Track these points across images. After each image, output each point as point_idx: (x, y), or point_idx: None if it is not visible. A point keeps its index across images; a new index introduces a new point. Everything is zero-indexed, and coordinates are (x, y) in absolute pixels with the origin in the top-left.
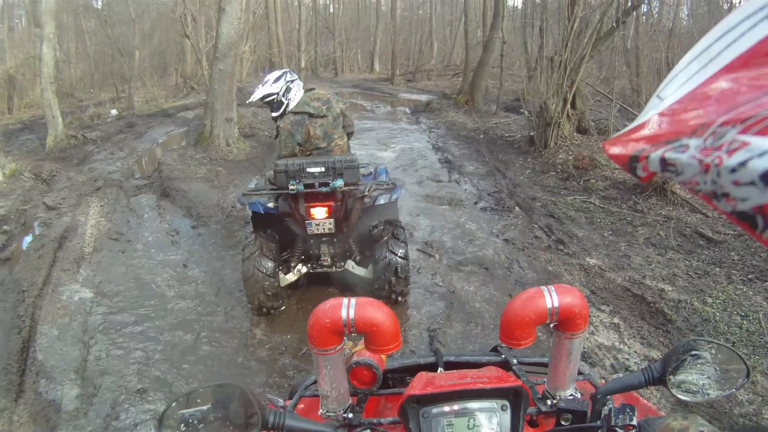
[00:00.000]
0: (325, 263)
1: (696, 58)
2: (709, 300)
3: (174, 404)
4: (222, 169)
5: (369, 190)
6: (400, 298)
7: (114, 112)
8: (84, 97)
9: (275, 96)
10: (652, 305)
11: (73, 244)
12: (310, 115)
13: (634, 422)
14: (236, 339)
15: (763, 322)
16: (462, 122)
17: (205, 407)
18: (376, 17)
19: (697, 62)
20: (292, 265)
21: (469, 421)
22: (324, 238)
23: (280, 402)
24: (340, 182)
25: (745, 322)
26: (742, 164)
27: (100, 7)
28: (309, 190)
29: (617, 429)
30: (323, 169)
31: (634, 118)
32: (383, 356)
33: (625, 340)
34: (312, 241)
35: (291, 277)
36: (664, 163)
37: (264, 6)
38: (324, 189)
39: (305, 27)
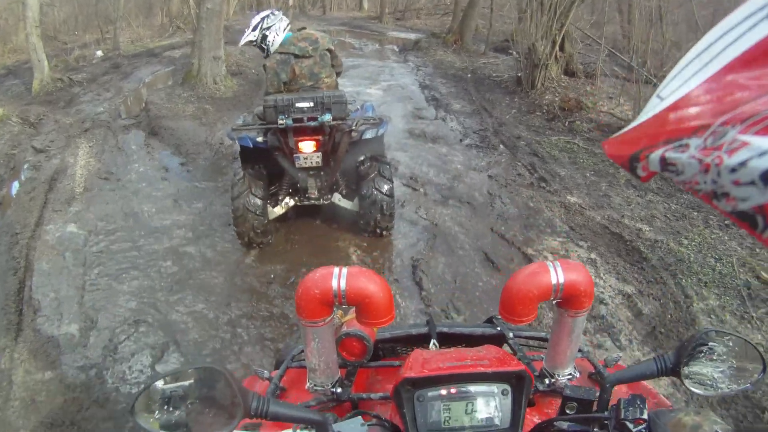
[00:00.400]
0: (313, 196)
1: (696, 58)
2: (685, 242)
3: (149, 388)
4: (210, 107)
5: (356, 125)
6: (384, 233)
7: (99, 53)
8: (68, 39)
9: (255, 43)
10: (628, 243)
11: (63, 185)
12: (296, 56)
13: (645, 416)
14: (227, 269)
15: (736, 265)
16: (450, 61)
17: (184, 397)
18: None
19: (697, 62)
20: (280, 198)
21: (467, 406)
22: (311, 172)
23: (266, 374)
24: (328, 117)
25: (718, 265)
26: (743, 164)
27: None
28: (298, 125)
29: (627, 423)
30: (312, 104)
31: (622, 63)
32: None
33: (601, 274)
34: (300, 174)
35: (279, 210)
36: (664, 162)
37: None
38: (312, 123)
39: None
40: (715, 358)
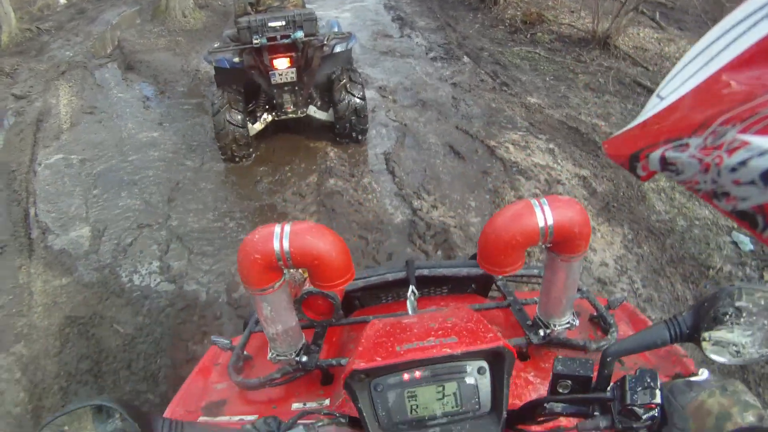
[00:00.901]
0: (289, 110)
1: (696, 57)
2: None
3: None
4: (182, 39)
5: (327, 39)
6: (360, 137)
7: (62, 0)
8: None
9: None
10: (585, 135)
11: (49, 124)
12: None
13: (657, 399)
14: (217, 175)
15: None
16: None
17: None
18: None
19: (697, 61)
20: (258, 114)
21: (437, 390)
22: (286, 87)
23: (227, 343)
24: (300, 34)
25: None
26: (743, 163)
27: None
28: (272, 43)
29: (635, 408)
30: (284, 23)
31: None
32: None
33: (559, 161)
34: (275, 90)
35: (258, 126)
36: (664, 162)
37: None
38: (285, 41)
39: None
40: (743, 320)
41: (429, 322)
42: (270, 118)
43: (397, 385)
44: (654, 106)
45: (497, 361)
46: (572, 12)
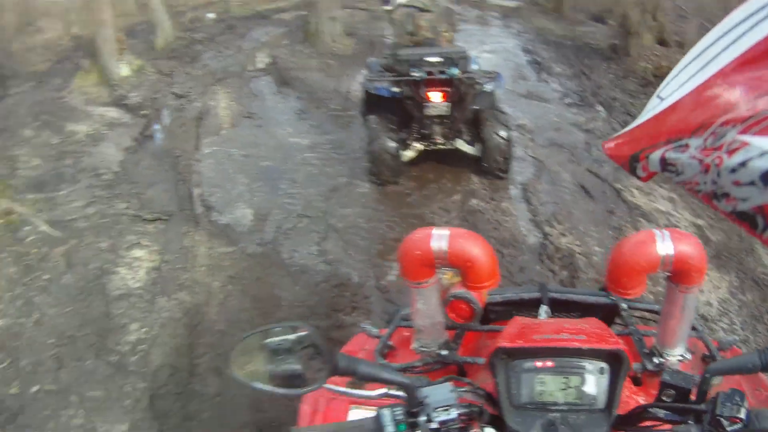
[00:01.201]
0: (439, 141)
1: (696, 58)
2: None
3: (244, 342)
4: (332, 62)
5: (480, 78)
6: (503, 174)
7: (212, 15)
8: (175, 3)
9: None
10: None
11: (209, 121)
12: (420, 9)
13: (742, 414)
14: (369, 186)
15: None
16: (551, 29)
17: (276, 352)
18: None
19: (697, 62)
20: (410, 143)
21: (563, 381)
22: (437, 119)
23: (375, 331)
24: (456, 71)
25: None
26: (743, 164)
27: None
28: (430, 77)
29: (722, 419)
30: (441, 59)
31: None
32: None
33: (678, 209)
34: (427, 121)
35: (410, 154)
36: (665, 162)
37: None
38: (442, 76)
39: None
40: None
41: (564, 323)
42: (421, 147)
43: (530, 369)
44: (654, 107)
45: (616, 364)
46: None
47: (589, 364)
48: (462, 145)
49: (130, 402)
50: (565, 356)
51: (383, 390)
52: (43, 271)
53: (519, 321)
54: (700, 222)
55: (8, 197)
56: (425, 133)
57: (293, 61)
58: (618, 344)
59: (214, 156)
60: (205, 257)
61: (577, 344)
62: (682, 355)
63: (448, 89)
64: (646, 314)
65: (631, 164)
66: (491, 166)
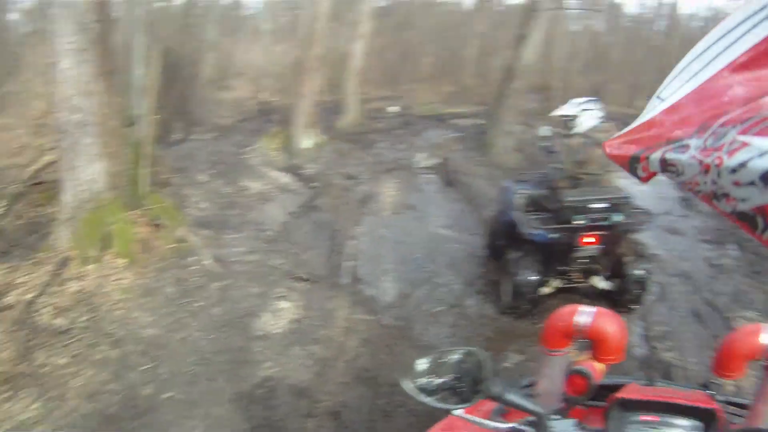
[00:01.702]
0: (577, 280)
1: (696, 59)
2: None
3: (420, 360)
4: (499, 173)
5: (640, 223)
6: (636, 306)
7: (394, 109)
8: (363, 89)
9: (569, 117)
10: None
11: (372, 205)
12: (596, 143)
13: None
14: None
15: None
16: None
17: (443, 371)
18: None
19: (697, 63)
20: (549, 280)
21: None
22: (582, 259)
23: (506, 384)
24: (619, 218)
25: None
26: (743, 165)
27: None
28: (592, 224)
29: None
30: (604, 205)
31: None
32: (602, 368)
33: None
34: (569, 260)
35: (547, 290)
36: (665, 163)
37: (547, 32)
38: (603, 223)
39: (581, 56)
40: None
41: (672, 390)
42: (558, 284)
43: (637, 422)
44: (654, 108)
45: (711, 423)
46: None
47: (687, 422)
48: (598, 282)
49: (248, 427)
50: (669, 412)
51: (512, 425)
52: (198, 298)
53: (635, 385)
54: None
55: (186, 226)
56: (565, 270)
57: (462, 165)
58: (713, 405)
59: (370, 236)
60: (343, 320)
61: (680, 401)
62: None
63: (604, 233)
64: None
65: (632, 165)
66: (624, 299)
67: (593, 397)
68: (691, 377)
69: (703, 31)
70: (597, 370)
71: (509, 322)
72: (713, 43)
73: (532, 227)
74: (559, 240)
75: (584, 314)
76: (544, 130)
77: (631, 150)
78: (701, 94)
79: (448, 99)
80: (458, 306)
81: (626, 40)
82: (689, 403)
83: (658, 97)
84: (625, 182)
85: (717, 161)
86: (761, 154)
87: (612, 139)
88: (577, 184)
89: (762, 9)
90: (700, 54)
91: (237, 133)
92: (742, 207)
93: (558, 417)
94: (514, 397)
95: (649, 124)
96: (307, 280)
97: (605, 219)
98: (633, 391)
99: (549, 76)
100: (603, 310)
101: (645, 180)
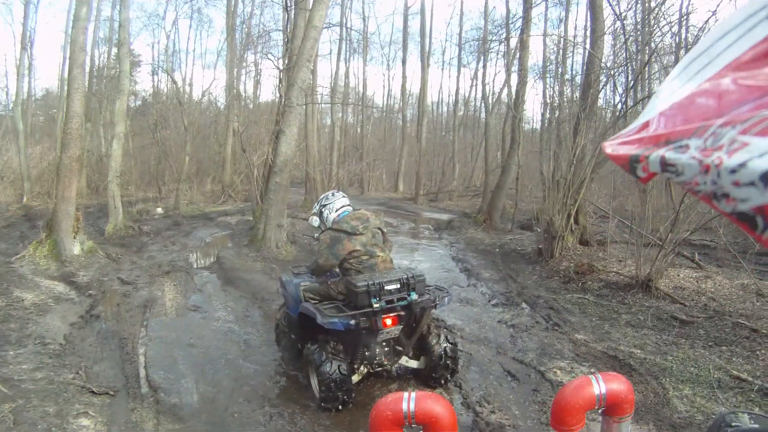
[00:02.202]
0: (385, 362)
1: (696, 59)
2: (670, 358)
3: None
4: (275, 266)
5: (438, 299)
6: (450, 379)
7: (160, 210)
8: (123, 193)
9: (314, 217)
10: (622, 361)
11: (156, 309)
12: (347, 233)
13: None
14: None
15: (712, 369)
16: (480, 238)
17: None
18: (402, 140)
19: (697, 63)
20: (356, 366)
21: None
22: (386, 342)
23: None
24: (414, 296)
25: (695, 370)
26: (742, 165)
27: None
28: (390, 306)
29: None
30: (399, 285)
31: (630, 231)
32: None
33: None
34: (374, 345)
35: (356, 378)
36: (664, 163)
37: (304, 126)
38: (402, 303)
39: (337, 146)
40: None
41: None
42: (365, 370)
43: None
44: (654, 108)
45: None
46: (620, 261)
47: None
48: (407, 362)
49: None
50: None
51: None
52: None
53: None
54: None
55: None
56: (371, 356)
57: (238, 263)
58: None
59: (160, 341)
60: None
61: None
62: None
63: (402, 313)
64: None
65: (631, 165)
66: (439, 374)
67: None
68: None
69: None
70: None
71: (325, 413)
72: (713, 43)
73: (328, 317)
74: (358, 326)
75: (408, 401)
76: (314, 221)
77: (631, 150)
78: (701, 94)
79: (212, 197)
80: (269, 403)
81: (379, 129)
82: None
83: (658, 97)
84: (397, 254)
85: (717, 161)
86: (761, 154)
87: (612, 139)
88: (360, 273)
89: (762, 9)
90: (700, 54)
91: (2, 241)
92: (742, 207)
93: None
94: None
95: (649, 124)
96: (104, 393)
97: (403, 299)
98: None
99: (311, 169)
100: (424, 393)
101: (645, 180)
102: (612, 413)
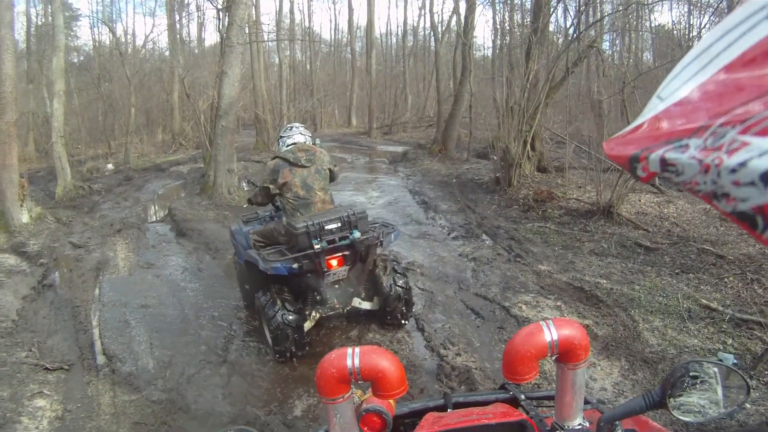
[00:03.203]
0: (337, 306)
1: (696, 58)
2: (637, 288)
3: None
4: (228, 213)
5: (382, 236)
6: (405, 321)
7: (110, 166)
8: (73, 152)
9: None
10: (588, 292)
11: (109, 271)
12: (289, 162)
13: None
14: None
15: (681, 298)
16: (436, 169)
17: None
18: (352, 73)
19: (697, 62)
20: (307, 312)
21: None
22: (336, 285)
23: None
24: (357, 234)
25: (664, 300)
26: (742, 164)
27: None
28: (332, 246)
29: None
30: (339, 224)
31: (588, 156)
32: (392, 402)
33: (565, 315)
34: (323, 288)
35: (309, 325)
36: (664, 163)
37: (250, 66)
38: (344, 242)
39: (286, 84)
40: (699, 386)
41: (473, 410)
42: (318, 315)
43: None
44: (654, 107)
45: None
46: (579, 187)
47: None
48: (359, 304)
49: None
50: None
51: None
52: None
53: (431, 415)
54: (587, 322)
55: None
56: (322, 300)
57: (191, 213)
58: (521, 416)
59: (115, 306)
60: (108, 406)
61: (485, 421)
62: (580, 424)
63: (347, 253)
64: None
65: (631, 165)
66: (393, 316)
67: (395, 429)
68: (492, 375)
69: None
70: (388, 402)
71: (285, 367)
72: (713, 43)
73: (270, 262)
74: (302, 269)
75: (352, 357)
76: (244, 186)
77: (631, 150)
78: (701, 94)
79: (163, 147)
80: (226, 362)
81: (328, 64)
82: (492, 422)
83: (657, 96)
84: (353, 191)
85: (717, 161)
86: (761, 154)
87: (612, 138)
88: (296, 212)
89: (762, 9)
90: (700, 54)
91: None
92: (742, 207)
93: None
94: None
95: (649, 123)
96: (59, 369)
97: (344, 238)
98: (431, 423)
99: (260, 109)
100: (368, 348)
101: (645, 180)
102: (566, 360)
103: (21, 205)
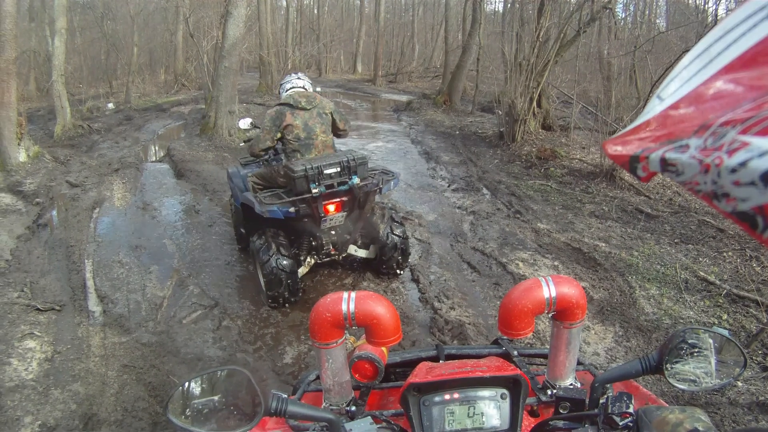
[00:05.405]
0: (332, 252)
1: (696, 58)
2: (636, 254)
3: (180, 389)
4: (228, 155)
5: (382, 183)
6: (400, 271)
7: (111, 105)
8: (74, 91)
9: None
10: (586, 254)
11: (104, 211)
12: (290, 106)
13: (631, 410)
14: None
15: (678, 268)
16: (440, 120)
17: (211, 397)
18: (359, 20)
19: (697, 62)
20: (302, 258)
21: (469, 409)
22: (332, 231)
23: (284, 397)
24: (356, 179)
25: (662, 269)
26: (743, 164)
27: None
28: (330, 191)
29: (614, 416)
30: (339, 169)
31: (594, 118)
32: (385, 350)
33: (562, 275)
34: (320, 234)
35: (303, 270)
36: (665, 163)
37: (256, 8)
38: (343, 188)
39: (292, 28)
40: (696, 354)
41: (467, 362)
42: (313, 261)
43: (440, 402)
44: (654, 107)
45: (516, 388)
46: (583, 148)
47: (491, 392)
48: (356, 251)
49: None
50: (470, 386)
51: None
52: None
53: (425, 364)
54: (583, 284)
55: None
56: (318, 245)
57: (190, 154)
58: (515, 371)
59: (109, 246)
60: (98, 347)
61: (479, 374)
62: (572, 384)
63: (345, 199)
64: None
65: (632, 165)
66: (389, 266)
67: (387, 378)
68: (485, 331)
69: None
70: (381, 350)
71: (277, 313)
72: (713, 43)
73: (266, 205)
74: (299, 213)
75: (347, 302)
76: (242, 123)
77: (631, 149)
78: (701, 94)
79: (165, 87)
80: (217, 306)
81: (336, 9)
82: (486, 375)
83: (658, 96)
84: (357, 137)
85: (717, 161)
86: (761, 154)
87: (612, 138)
88: (297, 153)
89: (762, 9)
90: (700, 54)
91: None
92: (742, 207)
93: (350, 420)
94: (297, 409)
95: (649, 123)
96: (50, 309)
97: (343, 183)
98: (424, 372)
99: (265, 52)
100: (364, 293)
101: (645, 180)
102: (562, 318)
103: (18, 144)
